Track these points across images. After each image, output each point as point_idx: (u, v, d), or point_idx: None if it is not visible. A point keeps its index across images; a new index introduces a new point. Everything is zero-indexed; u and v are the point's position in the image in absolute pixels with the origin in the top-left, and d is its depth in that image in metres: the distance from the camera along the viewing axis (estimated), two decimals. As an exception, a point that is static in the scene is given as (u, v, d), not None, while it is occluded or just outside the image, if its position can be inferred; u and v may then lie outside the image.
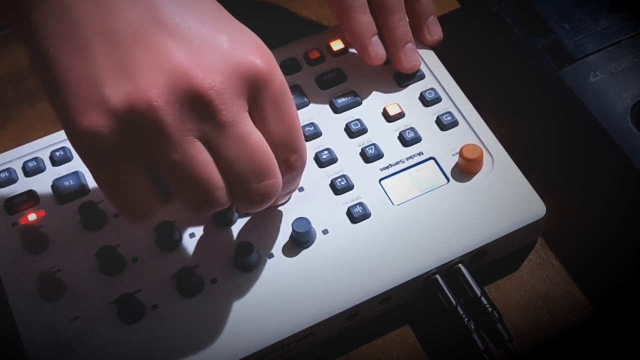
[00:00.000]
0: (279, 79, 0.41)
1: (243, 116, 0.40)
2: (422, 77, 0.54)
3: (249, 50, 0.40)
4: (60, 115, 0.39)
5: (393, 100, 0.53)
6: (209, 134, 0.39)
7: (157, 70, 0.38)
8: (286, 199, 0.49)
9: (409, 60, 0.53)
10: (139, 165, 0.39)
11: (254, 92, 0.40)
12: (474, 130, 0.51)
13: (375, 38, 0.53)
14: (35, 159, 0.51)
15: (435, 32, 0.55)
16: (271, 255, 0.47)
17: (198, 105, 0.38)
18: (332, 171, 0.50)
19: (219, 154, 0.39)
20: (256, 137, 0.40)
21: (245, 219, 0.49)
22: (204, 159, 0.39)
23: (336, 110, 0.53)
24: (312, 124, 0.52)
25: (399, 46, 0.53)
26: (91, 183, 0.50)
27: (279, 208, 0.49)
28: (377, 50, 0.53)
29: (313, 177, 0.50)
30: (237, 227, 0.48)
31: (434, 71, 0.54)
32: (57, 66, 0.38)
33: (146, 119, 0.37)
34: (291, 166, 0.43)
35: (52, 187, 0.50)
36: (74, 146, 0.39)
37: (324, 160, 0.50)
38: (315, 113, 0.53)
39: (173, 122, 0.38)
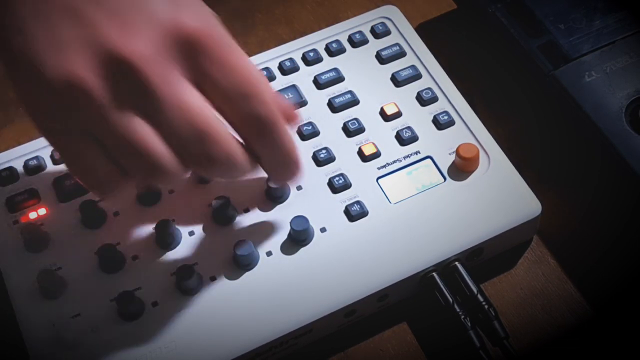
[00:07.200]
0: (217, 35, 0.40)
1: (176, 81, 0.39)
2: (419, 76, 0.54)
3: (183, 13, 0.39)
4: (15, 89, 0.40)
5: (390, 100, 0.53)
6: (143, 103, 0.39)
7: (85, 43, 0.38)
8: (290, 170, 0.44)
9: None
10: (88, 136, 0.39)
11: (191, 52, 0.39)
12: (470, 129, 0.52)
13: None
14: (36, 157, 0.51)
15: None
16: (270, 253, 0.48)
17: (128, 75, 0.38)
18: (330, 170, 0.51)
19: (157, 122, 0.39)
20: (194, 101, 0.39)
21: (246, 218, 0.49)
22: (141, 129, 0.39)
23: (334, 109, 0.53)
24: (310, 123, 0.52)
25: None
26: (91, 182, 0.51)
27: (278, 206, 0.49)
28: None
29: (311, 176, 0.50)
30: (236, 225, 0.49)
31: (431, 71, 0.54)
32: (3, 42, 0.39)
33: (79, 94, 0.38)
34: (263, 115, 0.40)
35: (53, 185, 0.51)
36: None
37: (322, 159, 0.51)
38: (313, 112, 0.53)
39: (105, 96, 0.38)
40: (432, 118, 0.52)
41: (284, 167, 0.44)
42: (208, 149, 0.40)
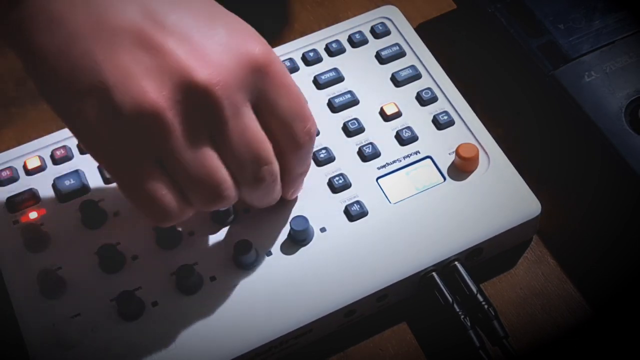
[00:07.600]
0: (277, 59, 0.41)
1: (245, 107, 0.40)
2: (419, 76, 0.54)
3: (246, 39, 0.40)
4: (68, 124, 0.40)
5: (390, 100, 0.53)
6: (214, 128, 0.39)
7: (158, 70, 0.38)
8: (302, 182, 0.48)
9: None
10: (154, 163, 0.39)
11: (258, 78, 0.40)
12: (470, 129, 0.52)
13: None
14: (37, 157, 0.51)
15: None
16: (269, 253, 0.48)
17: (204, 102, 0.39)
18: (329, 170, 0.51)
19: (223, 146, 0.40)
20: (255, 126, 0.41)
21: (246, 218, 0.49)
22: (210, 155, 0.40)
23: (334, 109, 0.53)
24: (310, 123, 0.52)
25: None
26: (92, 182, 0.51)
27: (278, 206, 0.49)
28: None
29: (311, 176, 0.50)
30: (236, 225, 0.49)
31: (431, 71, 0.54)
32: (60, 78, 0.38)
33: (153, 121, 0.38)
34: (310, 133, 0.43)
35: (53, 185, 0.51)
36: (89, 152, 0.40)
37: (322, 159, 0.51)
38: (313, 112, 0.52)
39: (180, 123, 0.38)
40: (431, 118, 0.52)
41: (302, 178, 0.47)
42: (259, 170, 0.41)
